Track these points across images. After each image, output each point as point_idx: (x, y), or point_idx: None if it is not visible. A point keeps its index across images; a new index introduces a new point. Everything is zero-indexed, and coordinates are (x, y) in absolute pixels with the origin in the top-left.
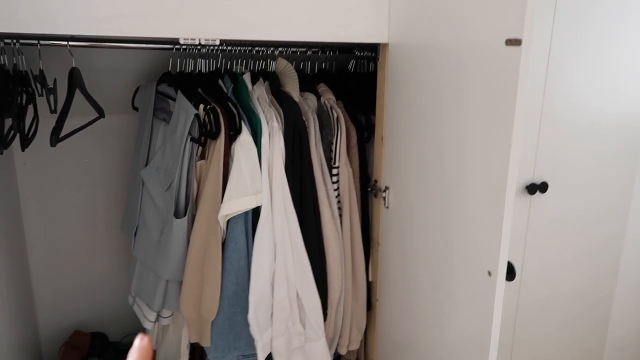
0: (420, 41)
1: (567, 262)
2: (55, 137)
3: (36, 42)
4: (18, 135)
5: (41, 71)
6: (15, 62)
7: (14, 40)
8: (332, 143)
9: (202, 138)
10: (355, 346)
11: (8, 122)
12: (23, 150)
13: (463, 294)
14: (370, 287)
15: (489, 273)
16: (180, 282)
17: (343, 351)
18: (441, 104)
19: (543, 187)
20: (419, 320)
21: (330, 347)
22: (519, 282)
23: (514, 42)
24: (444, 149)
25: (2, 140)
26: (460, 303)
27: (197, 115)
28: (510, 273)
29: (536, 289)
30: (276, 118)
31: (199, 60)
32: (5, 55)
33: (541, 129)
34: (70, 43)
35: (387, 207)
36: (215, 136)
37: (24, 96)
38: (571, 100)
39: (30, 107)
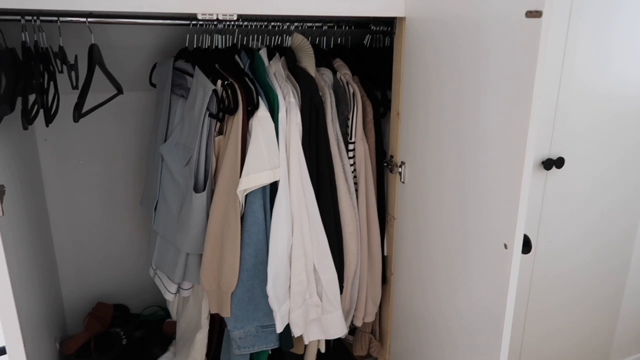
0: (438, 14)
1: (582, 237)
2: (78, 113)
3: (56, 18)
4: (41, 111)
5: (61, 48)
6: (36, 39)
7: (35, 17)
8: (348, 118)
9: (220, 114)
10: (370, 318)
11: (31, 99)
12: (47, 125)
13: (478, 267)
14: (385, 261)
15: (505, 246)
16: (200, 255)
17: (359, 323)
18: (460, 78)
19: (559, 163)
20: (433, 293)
21: (346, 319)
22: (533, 256)
23: (534, 13)
24: (463, 123)
25: (26, 116)
26: (475, 276)
27: (215, 91)
28: (527, 246)
29: (550, 263)
30: (293, 94)
31: (215, 36)
32: (27, 33)
33: (558, 104)
34: (89, 19)
35: (403, 182)
36: (233, 112)
37: (45, 73)
38: (589, 75)
39: (52, 85)
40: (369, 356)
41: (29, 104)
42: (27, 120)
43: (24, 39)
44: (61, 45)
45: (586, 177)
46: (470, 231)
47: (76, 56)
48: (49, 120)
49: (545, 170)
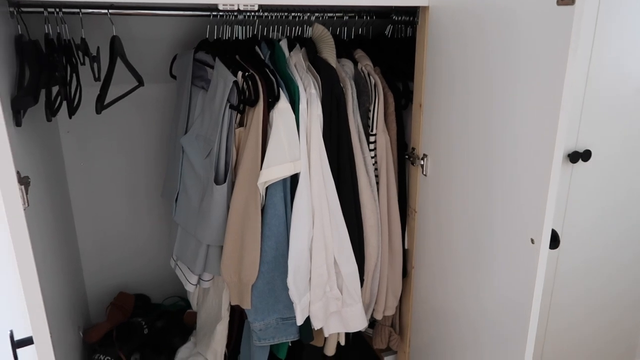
0: (464, 3)
1: (606, 229)
2: (100, 104)
3: (78, 10)
4: (64, 103)
5: (83, 40)
6: (58, 31)
7: (57, 9)
8: (370, 110)
9: (241, 105)
10: (390, 312)
11: (54, 91)
12: (70, 117)
13: (504, 261)
14: (406, 254)
15: (532, 240)
16: (221, 247)
17: (379, 316)
18: (487, 68)
19: (586, 156)
20: (456, 287)
21: (366, 312)
22: (558, 250)
23: (566, 1)
24: (490, 114)
25: (50, 108)
26: (500, 271)
27: (235, 83)
28: (554, 241)
29: (575, 254)
30: (314, 85)
31: (235, 27)
32: (49, 25)
33: (586, 95)
34: (111, 11)
35: (425, 175)
36: (253, 103)
37: (68, 65)
38: (618, 67)
39: (74, 77)
40: (389, 349)
41: (52, 96)
42: (51, 112)
43: (46, 31)
44: (83, 37)
45: (613, 170)
46: (496, 225)
47: (98, 48)
48: (71, 112)
49: (572, 163)
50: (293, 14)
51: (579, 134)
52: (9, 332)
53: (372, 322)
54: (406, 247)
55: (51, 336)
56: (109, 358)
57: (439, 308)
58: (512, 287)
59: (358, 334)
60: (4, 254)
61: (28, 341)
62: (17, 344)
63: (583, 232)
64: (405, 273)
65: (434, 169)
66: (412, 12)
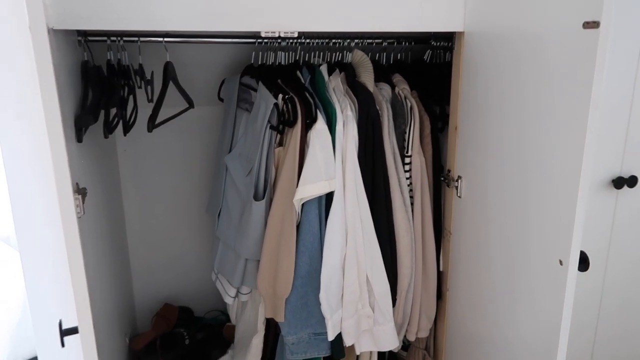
0: (497, 28)
1: None
2: (152, 124)
3: (137, 39)
4: (121, 122)
5: (140, 65)
6: (119, 57)
7: (119, 38)
8: (405, 132)
9: (281, 126)
10: (424, 334)
11: (112, 111)
12: (125, 134)
13: (535, 284)
14: (441, 276)
15: (560, 262)
16: (258, 261)
17: (412, 338)
18: (520, 92)
19: (632, 182)
20: (490, 311)
21: (399, 333)
22: (603, 276)
23: (592, 24)
24: (523, 138)
25: (108, 126)
26: (533, 294)
27: (276, 105)
28: (583, 263)
29: (621, 286)
30: (350, 107)
31: (279, 53)
32: (112, 51)
33: (631, 120)
34: (166, 39)
35: (460, 197)
36: (292, 124)
37: (126, 87)
38: None
39: (130, 98)
40: None
41: (110, 116)
42: (108, 130)
43: (108, 57)
44: (140, 63)
45: None
46: (528, 247)
47: (152, 72)
48: (126, 130)
49: (616, 189)
50: (334, 40)
51: (624, 159)
52: (58, 321)
53: (407, 345)
54: (441, 269)
55: (95, 329)
56: None
57: (474, 332)
58: (543, 310)
59: (392, 355)
60: (60, 251)
61: (74, 330)
62: (65, 332)
63: (630, 259)
64: (440, 295)
65: (469, 190)
66: (450, 38)
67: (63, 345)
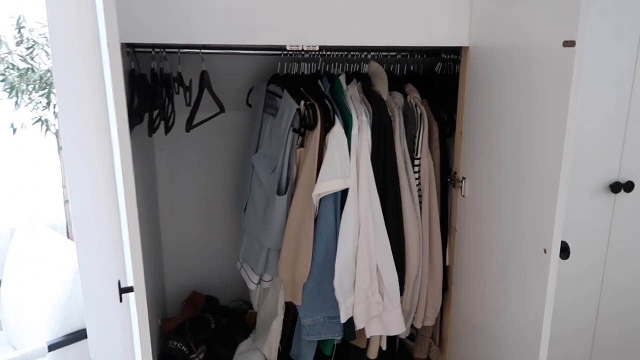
0: (496, 44)
1: None
2: (189, 125)
3: (177, 50)
4: (162, 123)
5: (179, 74)
6: (161, 66)
7: (162, 50)
8: (415, 137)
9: (302, 129)
10: (430, 322)
11: (154, 114)
12: (166, 134)
13: (526, 273)
14: (447, 270)
15: (545, 251)
16: (279, 251)
17: (418, 325)
18: (514, 102)
19: (628, 187)
20: (489, 301)
21: (406, 320)
22: (601, 282)
23: (569, 43)
24: (518, 141)
25: (151, 127)
26: (524, 282)
27: (298, 110)
28: (564, 252)
29: (619, 288)
30: (365, 113)
31: (302, 63)
32: (155, 61)
33: (628, 126)
34: (202, 51)
35: (464, 196)
36: (312, 127)
37: (166, 93)
38: None
39: (169, 103)
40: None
41: (153, 118)
42: (152, 130)
43: (152, 67)
44: (179, 71)
45: None
46: (522, 240)
47: (191, 80)
48: (167, 130)
49: (613, 194)
50: (352, 52)
51: (622, 165)
52: (117, 281)
53: (414, 335)
54: (447, 263)
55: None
56: (181, 345)
57: (476, 321)
58: (531, 296)
59: (401, 344)
60: (111, 236)
61: (130, 289)
62: (123, 290)
63: (627, 264)
64: (446, 288)
65: (472, 190)
66: (459, 51)
67: (121, 300)
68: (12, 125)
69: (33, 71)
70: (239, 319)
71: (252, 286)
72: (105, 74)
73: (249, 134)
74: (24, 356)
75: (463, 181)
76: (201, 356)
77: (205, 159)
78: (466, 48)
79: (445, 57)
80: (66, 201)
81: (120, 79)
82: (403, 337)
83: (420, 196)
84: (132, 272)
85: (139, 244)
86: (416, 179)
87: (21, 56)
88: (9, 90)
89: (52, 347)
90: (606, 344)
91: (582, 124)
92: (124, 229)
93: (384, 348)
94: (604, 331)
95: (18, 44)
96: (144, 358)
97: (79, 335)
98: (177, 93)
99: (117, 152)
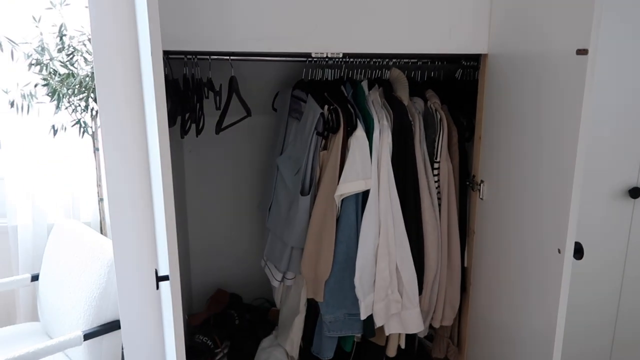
0: (515, 51)
1: None
2: (218, 127)
3: (208, 57)
4: (193, 126)
5: (209, 79)
6: (192, 72)
7: (193, 56)
8: (435, 141)
9: (325, 132)
10: (448, 322)
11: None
12: (197, 136)
13: (541, 272)
14: (466, 271)
15: (559, 250)
16: (302, 249)
17: (436, 325)
18: (532, 109)
19: None
20: (506, 301)
21: (425, 320)
22: (620, 285)
23: (582, 51)
24: (537, 148)
25: (183, 129)
26: (539, 281)
27: (322, 114)
28: (578, 252)
29: (638, 290)
30: (386, 118)
31: (326, 70)
32: (187, 67)
33: None
34: (232, 57)
35: (482, 199)
36: (335, 131)
37: (197, 98)
38: None
39: (199, 107)
40: (446, 359)
41: (185, 120)
42: (184, 131)
43: (184, 72)
44: (210, 77)
45: None
46: (538, 241)
47: (221, 85)
48: (198, 132)
49: (632, 199)
50: (374, 59)
51: None
52: (154, 270)
53: (432, 334)
54: (465, 264)
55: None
56: (207, 339)
57: (495, 322)
58: (546, 295)
59: (420, 344)
60: (151, 219)
61: (166, 277)
62: (159, 279)
63: None
64: (464, 289)
65: (490, 193)
66: (478, 58)
67: (158, 287)
68: (53, 127)
69: (73, 76)
70: (262, 316)
71: (275, 284)
72: (146, 80)
73: (274, 137)
74: (61, 344)
75: (482, 184)
76: (225, 351)
77: (232, 160)
78: (485, 55)
79: (465, 64)
80: (100, 199)
81: (162, 86)
82: (421, 336)
83: (439, 199)
84: (168, 261)
85: (175, 233)
86: (435, 182)
87: (62, 62)
88: (50, 94)
89: (87, 337)
90: (626, 341)
91: (600, 130)
92: (159, 221)
93: (403, 346)
94: (624, 328)
95: (59, 50)
96: (177, 341)
97: (112, 326)
98: (207, 97)
99: (155, 152)
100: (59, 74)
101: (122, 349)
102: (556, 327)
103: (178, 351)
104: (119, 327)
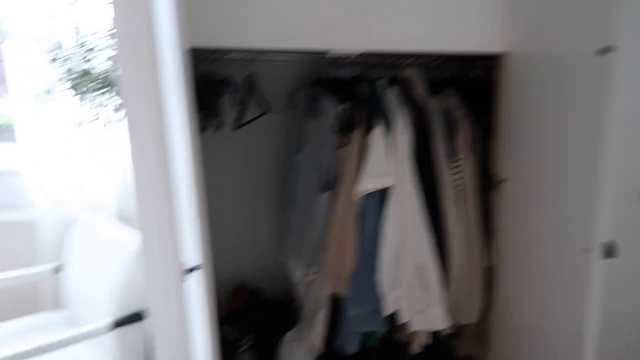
0: (534, 50)
1: None
2: (237, 124)
3: (225, 55)
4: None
5: (229, 76)
6: (213, 69)
7: (212, 54)
8: (453, 139)
9: (344, 130)
10: (472, 321)
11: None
12: (216, 131)
13: (568, 272)
14: (491, 270)
15: (587, 250)
16: (324, 245)
17: (462, 322)
18: (554, 108)
19: None
20: (532, 302)
21: (449, 318)
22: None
23: (606, 50)
24: (561, 146)
25: (202, 125)
26: (566, 281)
27: (339, 112)
28: (610, 252)
29: None
30: (404, 116)
31: (341, 69)
32: (207, 64)
33: None
34: (250, 55)
35: (505, 198)
36: (354, 129)
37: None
38: None
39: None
40: (472, 358)
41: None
42: (203, 127)
43: (204, 69)
44: (229, 74)
45: None
46: (563, 240)
47: (240, 82)
48: (219, 128)
49: None
50: (391, 58)
51: None
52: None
53: (457, 333)
54: (490, 263)
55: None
56: (233, 331)
57: (520, 321)
58: (573, 294)
59: (444, 341)
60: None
61: (199, 267)
62: (190, 270)
63: None
64: (490, 287)
65: (514, 191)
66: (496, 57)
67: (184, 280)
68: (76, 121)
69: (92, 73)
70: (283, 311)
71: (296, 279)
72: (171, 76)
73: (292, 134)
74: (89, 332)
75: (504, 182)
76: (248, 344)
77: (250, 157)
78: (504, 54)
79: (483, 63)
80: (119, 193)
81: (189, 82)
82: (446, 333)
83: (460, 197)
84: (200, 250)
85: (207, 224)
86: (456, 180)
87: (84, 58)
88: (74, 89)
89: (115, 325)
90: None
91: (630, 130)
92: (186, 214)
93: (427, 343)
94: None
95: (80, 46)
96: (210, 329)
97: (138, 315)
98: (227, 94)
99: (183, 147)
100: (82, 70)
101: (143, 342)
102: (583, 329)
103: (210, 340)
104: (143, 318)
